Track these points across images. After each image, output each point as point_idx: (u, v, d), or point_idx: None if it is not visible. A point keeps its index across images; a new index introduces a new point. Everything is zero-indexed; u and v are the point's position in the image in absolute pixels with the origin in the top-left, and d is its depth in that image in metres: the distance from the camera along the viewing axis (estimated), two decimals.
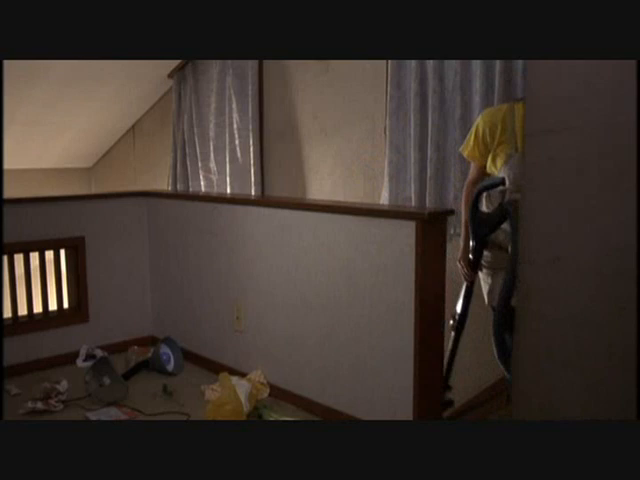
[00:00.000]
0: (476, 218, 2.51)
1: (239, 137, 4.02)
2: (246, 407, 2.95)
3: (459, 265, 2.70)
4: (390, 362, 2.71)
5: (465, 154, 2.63)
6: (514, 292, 2.31)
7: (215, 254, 3.61)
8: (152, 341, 4.03)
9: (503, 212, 2.41)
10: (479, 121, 2.52)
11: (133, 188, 4.89)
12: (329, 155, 3.60)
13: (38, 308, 3.76)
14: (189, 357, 3.77)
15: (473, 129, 2.56)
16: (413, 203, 2.99)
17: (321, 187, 3.67)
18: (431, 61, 2.88)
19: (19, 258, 3.65)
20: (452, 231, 2.96)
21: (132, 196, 4.11)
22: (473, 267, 2.63)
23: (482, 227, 2.53)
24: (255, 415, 3.00)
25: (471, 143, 2.55)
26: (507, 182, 2.47)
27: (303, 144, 3.74)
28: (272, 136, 3.95)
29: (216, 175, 4.25)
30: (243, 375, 3.34)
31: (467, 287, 2.73)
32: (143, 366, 3.62)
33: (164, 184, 4.72)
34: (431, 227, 2.53)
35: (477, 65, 2.75)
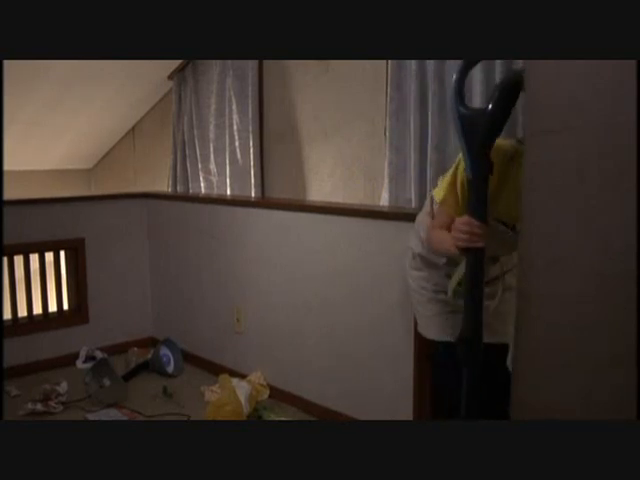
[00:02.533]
0: (463, 115, 1.66)
1: (239, 138, 4.03)
2: (246, 408, 2.95)
3: (459, 229, 1.74)
4: (390, 362, 2.71)
5: (438, 200, 2.01)
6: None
7: (215, 255, 3.61)
8: (152, 342, 4.03)
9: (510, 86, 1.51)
10: (461, 165, 1.85)
11: (133, 189, 4.89)
12: (329, 156, 3.60)
13: (38, 309, 3.76)
14: (189, 358, 3.77)
15: (451, 172, 1.95)
16: (413, 205, 2.99)
17: (321, 188, 3.67)
18: (431, 62, 2.88)
19: (19, 259, 3.65)
20: None
21: (132, 197, 4.11)
22: (474, 212, 1.67)
23: (475, 129, 1.62)
24: (255, 416, 3.00)
25: (445, 188, 1.96)
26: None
27: (303, 145, 3.74)
28: (272, 137, 3.95)
29: (216, 177, 4.25)
30: (243, 376, 3.34)
31: (474, 258, 1.71)
32: (143, 367, 3.62)
33: (164, 185, 4.72)
34: None
35: (477, 67, 2.75)
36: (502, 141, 1.88)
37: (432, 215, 2.14)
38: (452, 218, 1.94)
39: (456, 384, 2.11)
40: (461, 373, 2.09)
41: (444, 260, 2.09)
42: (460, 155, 1.88)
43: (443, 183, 2.00)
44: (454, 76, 1.76)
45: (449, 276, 2.07)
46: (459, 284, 2.01)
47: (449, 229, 1.92)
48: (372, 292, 2.76)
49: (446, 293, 2.09)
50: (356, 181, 3.45)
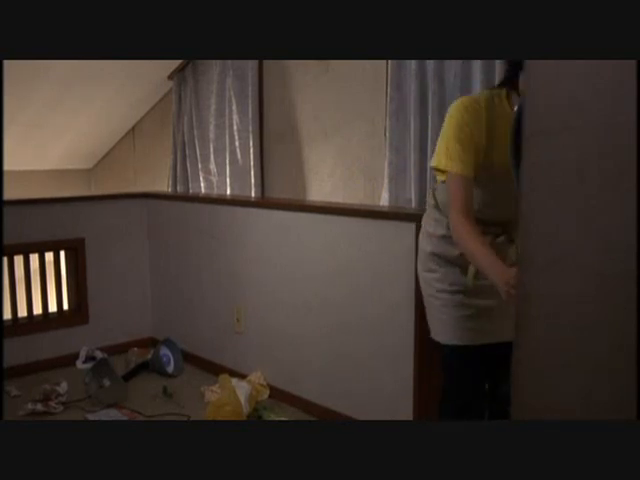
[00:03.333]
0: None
1: (239, 138, 4.03)
2: (246, 408, 2.96)
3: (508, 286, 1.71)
4: (390, 362, 2.71)
5: (443, 166, 1.95)
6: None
7: (215, 255, 3.61)
8: (152, 342, 4.03)
9: None
10: (457, 113, 1.91)
11: (133, 189, 4.90)
12: (329, 156, 3.60)
13: (38, 309, 3.76)
14: (189, 358, 3.77)
15: (446, 131, 1.94)
16: (413, 205, 2.99)
17: (321, 188, 3.67)
18: (431, 62, 2.89)
19: (19, 259, 3.65)
20: None
21: (132, 197, 4.11)
22: None
23: None
24: (255, 416, 3.00)
25: (451, 147, 1.91)
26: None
27: (303, 145, 3.75)
28: (272, 137, 3.95)
29: (216, 177, 4.26)
30: (243, 376, 3.34)
31: None
32: (143, 367, 3.63)
33: (164, 185, 4.72)
34: None
35: (477, 67, 2.75)
36: (476, 97, 1.98)
37: (434, 196, 2.12)
38: (471, 184, 1.91)
39: (463, 386, 2.11)
40: (467, 374, 2.09)
41: (457, 252, 2.03)
42: (450, 108, 1.95)
43: (442, 145, 1.94)
44: (516, 110, 1.65)
45: (464, 270, 2.03)
46: (476, 274, 1.99)
47: (469, 207, 1.89)
48: (372, 292, 2.76)
49: (463, 293, 2.04)
50: (356, 181, 3.45)
